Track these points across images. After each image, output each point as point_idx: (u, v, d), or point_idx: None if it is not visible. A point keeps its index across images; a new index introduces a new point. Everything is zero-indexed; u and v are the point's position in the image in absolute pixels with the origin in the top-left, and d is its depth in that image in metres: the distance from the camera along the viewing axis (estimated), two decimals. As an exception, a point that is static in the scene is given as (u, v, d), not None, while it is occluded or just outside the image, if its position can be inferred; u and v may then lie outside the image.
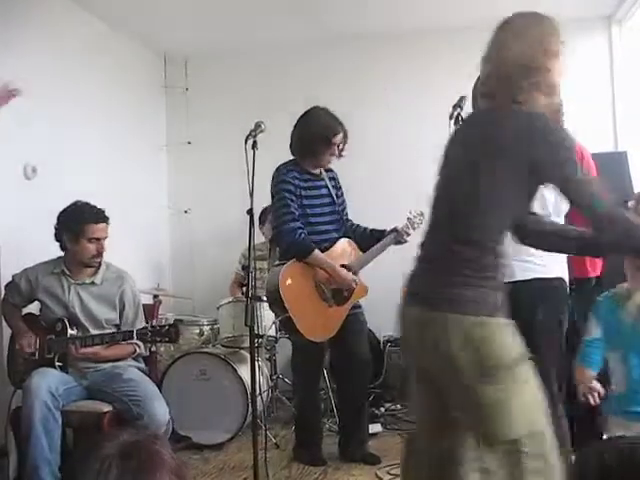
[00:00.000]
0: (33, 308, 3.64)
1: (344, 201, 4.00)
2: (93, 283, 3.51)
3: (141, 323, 3.54)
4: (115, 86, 5.04)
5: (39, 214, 3.92)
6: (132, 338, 3.34)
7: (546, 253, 2.70)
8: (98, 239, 3.45)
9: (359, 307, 3.91)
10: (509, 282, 2.65)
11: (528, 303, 2.84)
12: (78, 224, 3.42)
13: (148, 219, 5.48)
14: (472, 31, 5.19)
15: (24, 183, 4.07)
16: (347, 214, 4.00)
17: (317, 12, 4.96)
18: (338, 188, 3.96)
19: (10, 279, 3.58)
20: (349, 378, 3.86)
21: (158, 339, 3.31)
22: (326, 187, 3.86)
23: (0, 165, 3.88)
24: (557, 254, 2.89)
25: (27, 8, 4.07)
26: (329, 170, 3.92)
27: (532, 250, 2.59)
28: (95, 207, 3.48)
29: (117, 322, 3.52)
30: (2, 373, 3.65)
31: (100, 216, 3.46)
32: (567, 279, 3.10)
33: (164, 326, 3.32)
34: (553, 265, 3.01)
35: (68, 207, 3.49)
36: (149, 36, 5.36)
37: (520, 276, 2.88)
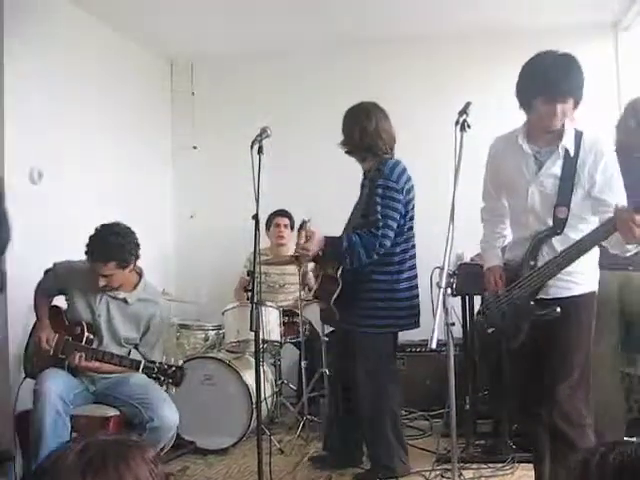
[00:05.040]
0: (60, 302, 3.61)
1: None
2: (125, 301, 3.45)
3: (159, 352, 3.49)
4: (121, 91, 5.06)
5: (45, 219, 3.93)
6: (138, 369, 3.24)
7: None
8: (100, 275, 3.33)
9: None
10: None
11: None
12: (87, 255, 3.34)
13: (153, 224, 5.48)
14: (478, 37, 5.26)
15: (30, 187, 4.07)
16: None
17: (324, 17, 4.97)
18: None
19: (17, 282, 3.58)
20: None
21: (162, 378, 3.21)
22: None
23: (6, 169, 3.88)
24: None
25: (34, 14, 4.08)
26: None
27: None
28: (104, 242, 3.28)
29: (137, 342, 3.51)
30: (5, 373, 3.66)
31: (96, 255, 3.29)
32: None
33: (172, 366, 3.22)
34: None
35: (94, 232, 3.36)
36: (156, 41, 5.38)
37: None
